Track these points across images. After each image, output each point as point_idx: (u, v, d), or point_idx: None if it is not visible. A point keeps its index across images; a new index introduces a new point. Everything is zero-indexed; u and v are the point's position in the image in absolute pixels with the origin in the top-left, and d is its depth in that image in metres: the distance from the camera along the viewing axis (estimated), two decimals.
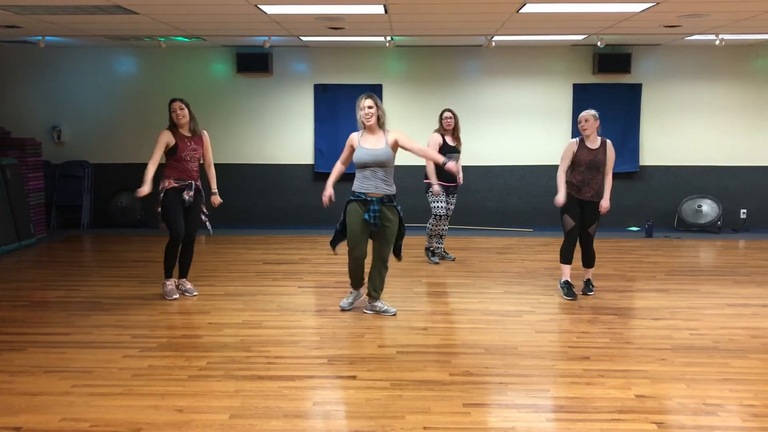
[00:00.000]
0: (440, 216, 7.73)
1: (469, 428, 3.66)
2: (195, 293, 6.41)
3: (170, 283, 6.34)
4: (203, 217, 6.33)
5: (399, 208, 5.68)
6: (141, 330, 5.37)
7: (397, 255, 5.87)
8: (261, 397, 4.04)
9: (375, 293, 5.79)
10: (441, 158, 5.67)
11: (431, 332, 5.36)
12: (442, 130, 7.65)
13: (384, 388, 4.21)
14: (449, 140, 7.64)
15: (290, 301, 6.32)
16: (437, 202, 7.66)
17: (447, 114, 7.66)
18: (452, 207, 7.89)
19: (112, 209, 10.29)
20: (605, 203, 6.27)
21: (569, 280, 6.41)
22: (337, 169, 5.85)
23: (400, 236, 5.74)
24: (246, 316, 5.77)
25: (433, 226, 7.81)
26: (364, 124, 5.58)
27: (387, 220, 5.59)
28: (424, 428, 3.64)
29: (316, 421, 3.79)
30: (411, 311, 6.03)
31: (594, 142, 6.25)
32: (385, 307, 5.79)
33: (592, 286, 6.49)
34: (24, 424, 3.68)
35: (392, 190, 5.63)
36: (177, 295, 6.32)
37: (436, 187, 7.52)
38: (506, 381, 4.34)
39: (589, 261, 6.45)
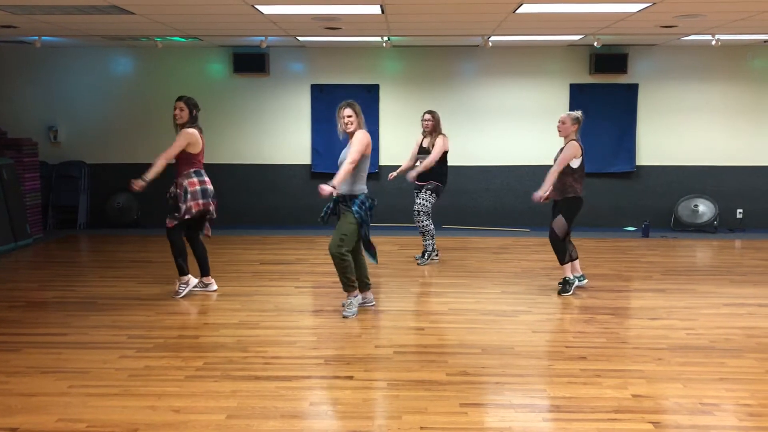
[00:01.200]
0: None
1: (466, 428, 3.66)
2: (176, 296, 6.37)
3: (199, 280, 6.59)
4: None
5: (355, 208, 5.56)
6: (137, 330, 5.37)
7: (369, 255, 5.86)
8: (258, 398, 4.04)
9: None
10: (334, 180, 5.47)
11: (428, 332, 5.36)
12: (422, 132, 7.80)
13: (381, 388, 4.21)
14: (424, 142, 7.76)
15: (287, 301, 6.31)
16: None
17: (426, 116, 7.71)
18: (417, 202, 7.71)
19: (108, 209, 10.28)
20: (537, 192, 6.24)
21: (569, 275, 6.54)
22: None
23: (351, 236, 5.62)
24: (243, 317, 5.76)
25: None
26: (344, 131, 5.64)
27: (338, 217, 5.70)
28: (421, 428, 3.64)
29: (312, 421, 3.79)
30: (407, 311, 6.04)
31: (564, 143, 6.30)
32: (344, 308, 5.79)
33: (567, 286, 6.43)
34: (20, 425, 3.67)
35: (346, 189, 5.60)
36: (199, 289, 6.54)
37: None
38: (503, 381, 4.34)
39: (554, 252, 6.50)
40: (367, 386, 4.24)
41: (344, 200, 5.63)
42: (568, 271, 6.43)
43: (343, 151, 5.67)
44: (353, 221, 5.58)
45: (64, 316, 5.77)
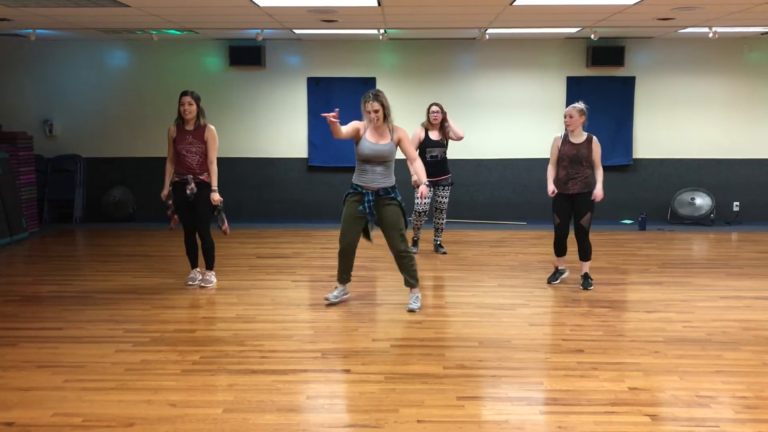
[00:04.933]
0: (418, 212, 7.80)
1: (463, 421, 3.66)
2: (209, 285, 6.50)
3: (191, 273, 6.61)
4: (217, 213, 6.33)
5: (399, 198, 5.64)
6: (134, 324, 5.35)
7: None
8: (254, 391, 4.03)
9: (407, 285, 5.82)
10: (422, 178, 5.61)
11: (425, 325, 5.36)
12: (428, 124, 7.74)
13: (378, 381, 4.21)
14: (433, 135, 7.71)
15: (284, 295, 6.31)
16: (418, 198, 7.69)
17: (434, 108, 7.71)
18: (443, 200, 7.85)
19: (104, 203, 10.25)
20: (598, 192, 6.26)
21: (558, 266, 6.60)
22: (339, 128, 5.44)
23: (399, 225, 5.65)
24: (239, 310, 5.75)
25: (413, 219, 7.86)
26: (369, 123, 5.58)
27: (383, 211, 5.58)
28: (418, 421, 3.64)
29: (309, 414, 3.79)
30: (405, 305, 6.03)
31: (578, 137, 6.29)
32: (410, 303, 5.76)
33: (591, 279, 6.45)
34: (16, 419, 3.67)
35: (389, 182, 5.62)
36: (192, 283, 6.53)
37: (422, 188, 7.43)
38: (500, 374, 4.35)
39: (583, 254, 6.43)
40: (364, 380, 4.24)
41: (386, 192, 5.59)
42: (587, 266, 6.47)
43: (375, 146, 5.53)
44: (399, 211, 5.60)
45: (60, 311, 5.76)
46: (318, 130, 10.16)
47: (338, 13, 7.27)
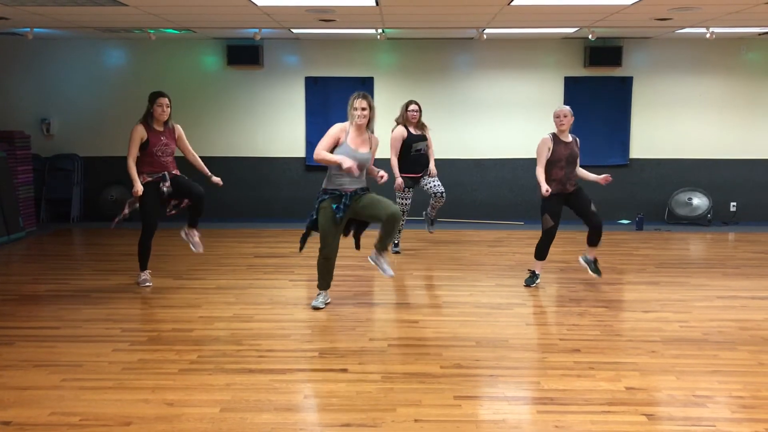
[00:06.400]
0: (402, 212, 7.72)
1: (460, 421, 3.67)
2: (199, 249, 6.55)
3: (144, 275, 6.50)
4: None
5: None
6: (131, 323, 5.36)
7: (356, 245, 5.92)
8: (252, 391, 4.04)
9: (381, 249, 5.70)
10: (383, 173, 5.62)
11: (422, 325, 5.36)
12: (404, 121, 7.63)
13: (375, 381, 4.21)
14: (413, 130, 7.65)
15: (281, 294, 6.31)
16: (402, 199, 7.61)
17: (413, 107, 7.62)
18: (435, 185, 7.76)
19: (102, 202, 10.24)
20: (604, 176, 6.37)
21: (536, 270, 6.53)
22: (325, 155, 5.50)
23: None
24: (237, 310, 5.75)
25: None
26: (353, 122, 5.52)
27: (360, 202, 5.53)
28: (415, 421, 3.65)
29: (306, 414, 3.79)
30: (402, 304, 6.04)
31: (567, 137, 6.34)
32: (386, 269, 5.71)
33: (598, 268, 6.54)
34: (13, 418, 3.66)
35: (364, 183, 5.65)
36: (150, 284, 6.47)
37: (399, 180, 7.46)
38: (497, 373, 4.35)
39: (598, 240, 6.37)
40: (361, 379, 4.24)
41: (362, 190, 5.59)
42: (595, 251, 6.50)
43: (357, 154, 5.47)
44: (375, 195, 5.63)
45: (58, 310, 5.75)
46: (316, 129, 10.15)
47: (336, 12, 7.27)
